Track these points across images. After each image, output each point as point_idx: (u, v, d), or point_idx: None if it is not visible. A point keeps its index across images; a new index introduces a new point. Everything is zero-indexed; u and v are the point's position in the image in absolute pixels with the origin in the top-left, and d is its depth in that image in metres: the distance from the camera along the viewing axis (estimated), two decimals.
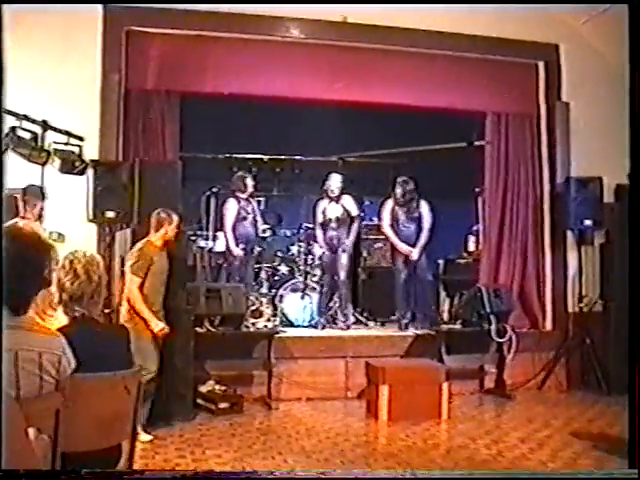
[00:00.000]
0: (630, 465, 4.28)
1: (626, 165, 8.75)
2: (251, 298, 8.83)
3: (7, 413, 2.34)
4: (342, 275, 9.75)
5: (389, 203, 9.90)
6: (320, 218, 9.94)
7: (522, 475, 5.27)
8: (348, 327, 9.58)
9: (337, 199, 9.85)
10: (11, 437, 2.20)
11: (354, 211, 9.91)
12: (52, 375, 2.89)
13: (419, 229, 9.74)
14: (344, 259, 9.77)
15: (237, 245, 9.66)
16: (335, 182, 9.87)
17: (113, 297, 7.55)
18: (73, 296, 3.59)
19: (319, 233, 10.00)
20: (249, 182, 9.91)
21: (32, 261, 2.85)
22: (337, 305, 9.89)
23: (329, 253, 9.86)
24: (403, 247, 9.65)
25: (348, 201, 9.90)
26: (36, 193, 7.21)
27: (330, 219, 9.85)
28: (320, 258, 10.22)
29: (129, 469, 3.60)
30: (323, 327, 9.58)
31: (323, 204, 9.94)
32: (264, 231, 10.26)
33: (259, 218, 10.11)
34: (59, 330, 3.23)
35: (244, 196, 9.84)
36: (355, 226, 9.94)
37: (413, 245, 9.62)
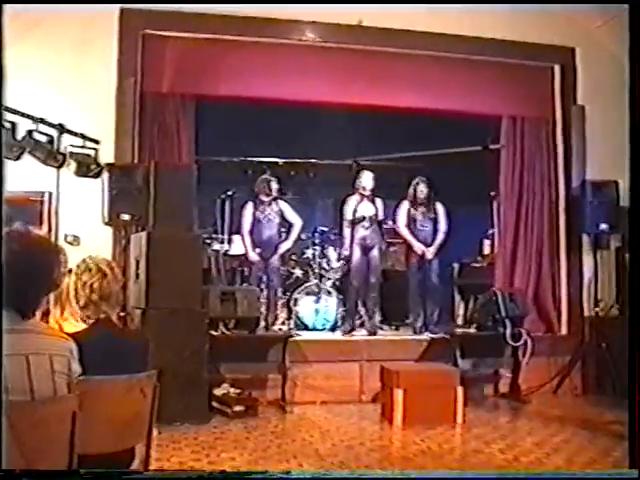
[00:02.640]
0: (630, 465, 4.26)
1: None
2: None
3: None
4: (373, 279, 9.62)
5: (405, 204, 9.86)
6: (350, 215, 9.64)
7: (522, 475, 5.26)
8: (375, 332, 9.52)
9: (370, 198, 9.67)
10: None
11: (382, 213, 9.76)
12: (64, 378, 2.90)
13: (435, 230, 9.73)
14: (377, 261, 9.65)
15: (254, 249, 9.64)
16: (368, 180, 9.65)
17: (127, 300, 7.58)
18: (102, 295, 3.65)
19: (347, 231, 9.74)
20: (274, 185, 9.77)
21: (40, 263, 2.86)
22: (364, 309, 9.86)
23: (360, 254, 9.58)
24: (419, 246, 9.63)
25: (379, 203, 9.75)
26: None
27: (363, 217, 9.57)
28: (348, 259, 9.93)
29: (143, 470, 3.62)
30: (350, 331, 9.46)
31: (354, 201, 9.68)
32: (280, 234, 9.99)
33: (292, 216, 9.96)
34: (80, 332, 3.35)
35: (267, 199, 9.73)
36: (382, 227, 9.79)
37: (429, 245, 9.63)
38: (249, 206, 9.74)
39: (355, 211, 9.58)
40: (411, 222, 9.79)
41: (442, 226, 9.75)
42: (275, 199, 9.83)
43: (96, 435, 3.11)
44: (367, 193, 9.62)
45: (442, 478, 4.73)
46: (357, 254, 9.60)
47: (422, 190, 9.78)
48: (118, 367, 3.42)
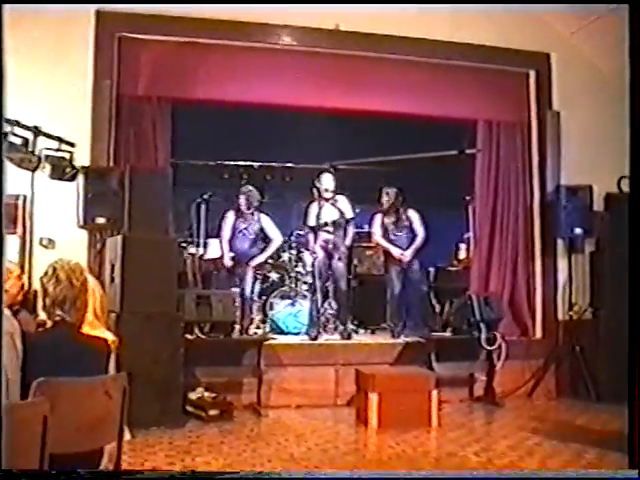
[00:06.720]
0: (630, 465, 4.30)
1: (615, 173, 8.85)
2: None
3: None
4: (342, 284, 9.59)
5: (378, 216, 9.96)
6: (313, 222, 9.54)
7: (521, 475, 5.29)
8: (349, 336, 9.43)
9: (331, 201, 9.55)
10: None
11: (349, 213, 9.67)
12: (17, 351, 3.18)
13: (410, 237, 9.76)
14: (341, 266, 9.58)
15: (229, 256, 9.63)
16: (328, 182, 9.54)
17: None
18: (55, 300, 3.73)
19: (311, 237, 9.68)
20: (256, 197, 9.81)
21: None
22: (335, 314, 9.85)
23: (323, 258, 9.51)
24: (396, 250, 9.67)
25: (343, 202, 9.65)
26: None
27: (325, 222, 9.47)
28: (312, 264, 9.75)
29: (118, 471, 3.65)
30: (315, 336, 9.29)
31: (315, 207, 9.56)
32: (256, 246, 9.89)
33: (272, 232, 9.92)
34: (34, 334, 3.65)
35: (248, 211, 9.73)
36: (351, 229, 9.74)
37: (405, 250, 9.67)
38: (230, 215, 9.75)
39: (318, 217, 9.49)
40: (385, 232, 9.87)
41: (419, 231, 9.79)
42: (256, 211, 9.83)
43: (60, 435, 3.12)
44: (328, 196, 9.53)
45: (439, 478, 4.75)
46: (320, 258, 9.52)
47: (386, 200, 9.87)
48: (71, 370, 3.47)
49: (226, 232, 9.72)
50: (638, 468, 3.78)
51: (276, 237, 9.93)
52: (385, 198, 9.86)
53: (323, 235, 9.54)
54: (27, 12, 7.95)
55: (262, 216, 9.90)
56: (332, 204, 9.57)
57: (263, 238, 9.93)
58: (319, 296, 9.49)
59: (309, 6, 8.59)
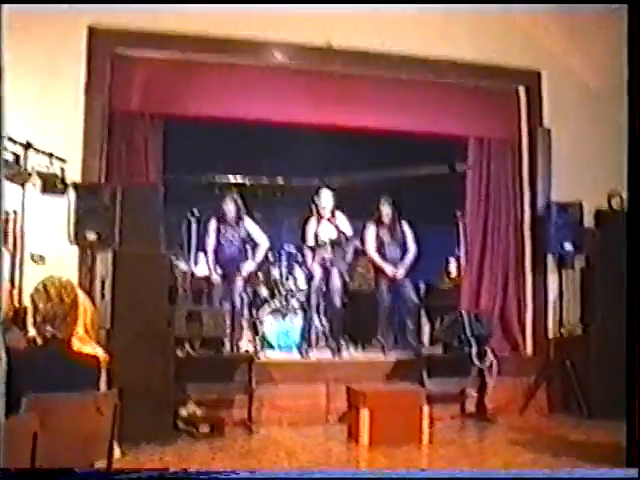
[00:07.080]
0: (630, 465, 4.29)
1: (606, 190, 8.89)
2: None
3: None
4: (337, 300, 9.55)
5: (371, 227, 9.87)
6: (311, 241, 9.53)
7: (522, 475, 5.27)
8: (340, 353, 9.40)
9: (330, 218, 9.55)
10: None
11: (349, 230, 9.64)
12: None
13: (402, 252, 9.75)
14: (338, 283, 9.56)
15: (216, 269, 9.63)
16: (326, 199, 9.56)
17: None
18: (46, 317, 3.75)
19: (309, 254, 9.66)
20: (239, 205, 9.75)
21: None
22: (328, 330, 9.82)
23: (321, 275, 9.52)
24: (391, 269, 9.64)
25: (342, 220, 9.64)
26: None
27: (324, 242, 9.43)
28: (309, 281, 9.78)
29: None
30: (306, 353, 9.31)
31: (313, 224, 9.56)
32: (245, 254, 9.84)
33: (258, 236, 9.85)
34: (24, 351, 3.65)
35: (232, 218, 9.68)
36: (351, 247, 9.70)
37: (399, 266, 9.66)
38: (213, 224, 9.70)
39: (316, 235, 9.48)
40: (379, 245, 9.81)
41: (411, 247, 9.78)
42: (241, 218, 9.78)
43: (50, 451, 3.12)
44: (327, 214, 9.56)
45: (440, 477, 4.73)
46: (317, 275, 9.52)
47: (387, 213, 9.81)
48: (62, 386, 3.49)
49: (210, 241, 9.66)
50: (638, 468, 3.79)
51: (262, 241, 9.84)
52: (386, 210, 9.81)
53: (321, 253, 9.50)
54: (19, 28, 7.96)
55: (247, 220, 9.83)
56: (330, 222, 9.56)
57: (250, 245, 9.88)
58: (313, 312, 9.49)
59: (302, 23, 8.65)
